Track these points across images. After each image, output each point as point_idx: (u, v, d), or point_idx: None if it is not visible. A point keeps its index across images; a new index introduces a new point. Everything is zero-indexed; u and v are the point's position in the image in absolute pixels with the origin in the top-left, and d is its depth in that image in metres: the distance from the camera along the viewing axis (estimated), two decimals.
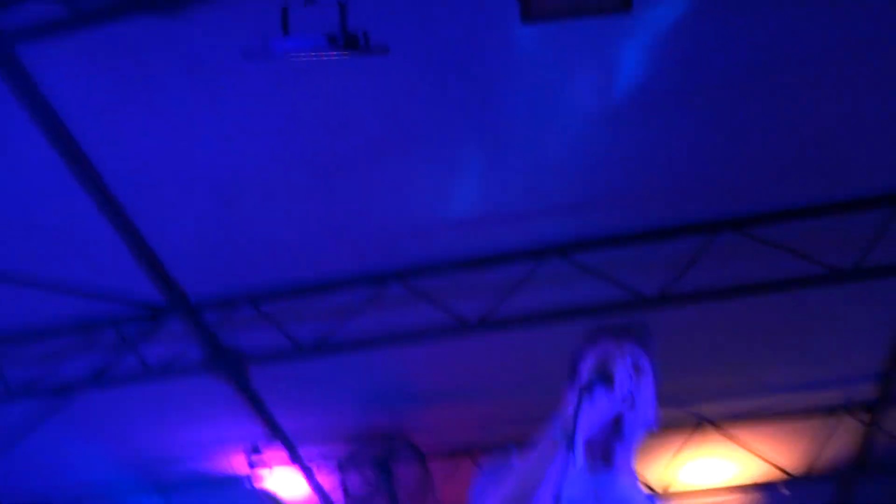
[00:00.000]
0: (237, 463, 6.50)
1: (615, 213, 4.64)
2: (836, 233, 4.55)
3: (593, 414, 1.51)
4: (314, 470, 6.44)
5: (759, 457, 5.81)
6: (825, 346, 5.28)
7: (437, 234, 4.69)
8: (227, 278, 4.92)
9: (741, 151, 4.25)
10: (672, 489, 6.16)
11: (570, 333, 5.33)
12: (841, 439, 5.79)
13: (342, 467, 6.25)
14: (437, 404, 5.80)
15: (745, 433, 5.89)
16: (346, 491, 6.25)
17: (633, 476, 1.75)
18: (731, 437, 5.89)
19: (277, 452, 6.30)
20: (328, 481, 6.53)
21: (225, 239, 4.68)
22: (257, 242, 4.70)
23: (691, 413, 5.96)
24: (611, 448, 1.68)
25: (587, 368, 1.59)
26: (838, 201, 4.50)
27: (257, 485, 6.46)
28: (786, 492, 5.82)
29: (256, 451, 6.34)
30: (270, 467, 6.37)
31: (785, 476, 5.80)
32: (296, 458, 6.26)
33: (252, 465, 6.31)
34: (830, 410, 5.72)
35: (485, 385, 5.63)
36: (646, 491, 1.91)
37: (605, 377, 1.53)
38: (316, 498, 6.69)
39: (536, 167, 4.33)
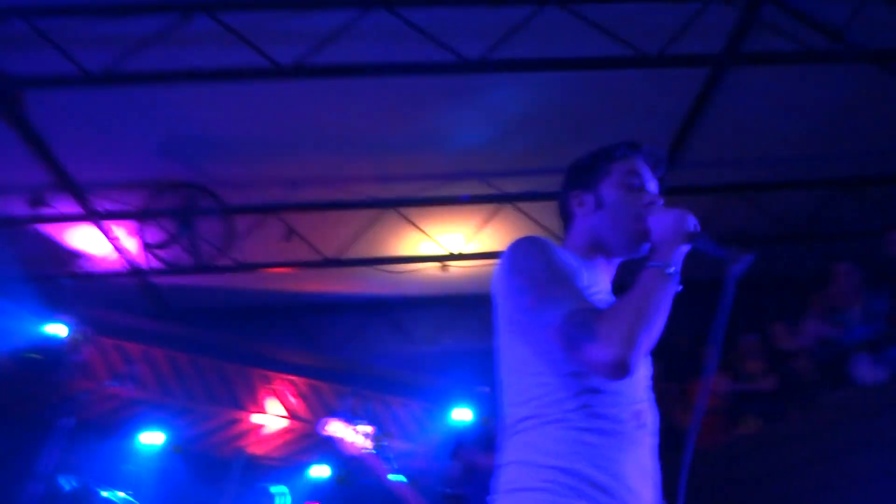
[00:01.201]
0: (18, 207, 5.83)
1: None
2: (647, 19, 4.65)
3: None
4: (108, 221, 5.98)
5: (545, 228, 6.29)
6: (617, 129, 5.59)
7: None
8: None
9: None
10: (466, 250, 6.55)
11: (386, 93, 5.16)
12: None
13: (139, 218, 5.85)
14: (244, 157, 5.47)
15: (537, 209, 6.30)
16: (143, 240, 5.92)
17: None
18: (524, 213, 6.29)
19: (66, 204, 5.73)
20: (123, 232, 6.12)
21: None
22: None
23: (492, 192, 6.22)
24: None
25: (694, 222, 1.59)
26: None
27: (42, 230, 5.90)
28: None
29: (40, 201, 5.70)
30: (58, 215, 5.80)
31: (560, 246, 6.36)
32: (87, 209, 5.73)
33: (35, 208, 5.69)
34: None
35: (295, 141, 5.37)
36: None
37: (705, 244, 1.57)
38: (112, 250, 6.29)
39: None
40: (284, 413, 6.64)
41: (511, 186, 6.22)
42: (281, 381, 6.71)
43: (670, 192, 6.14)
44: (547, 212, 6.35)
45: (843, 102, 5.41)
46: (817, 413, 5.11)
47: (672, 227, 1.59)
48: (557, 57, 4.53)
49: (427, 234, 6.39)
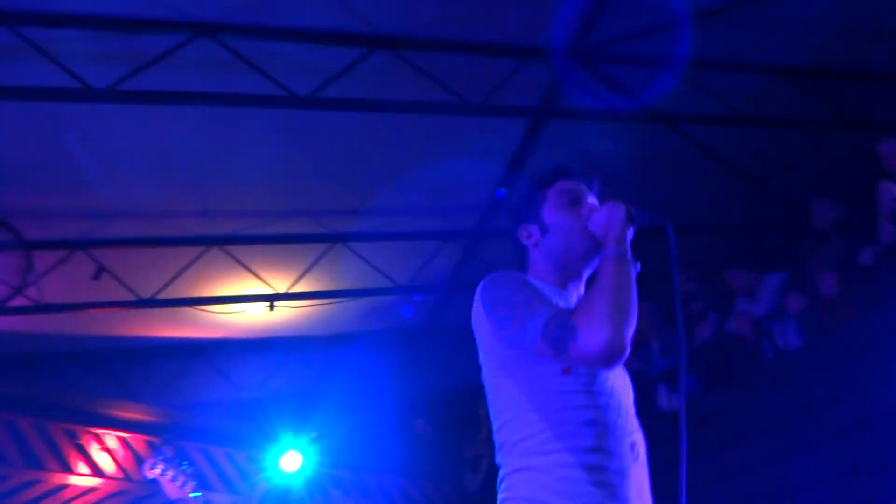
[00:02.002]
0: None
1: (280, 6, 4.29)
2: (473, 70, 4.87)
3: None
4: None
5: (376, 268, 6.26)
6: (443, 175, 5.74)
7: None
8: None
9: None
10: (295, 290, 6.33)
11: (211, 122, 4.93)
12: (443, 260, 6.52)
13: None
14: (46, 186, 4.94)
15: (368, 249, 6.27)
16: None
17: None
18: (356, 253, 6.22)
19: None
20: None
21: None
22: None
23: (322, 231, 6.12)
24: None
25: (625, 208, 1.66)
26: (481, 42, 4.79)
27: None
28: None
29: None
30: None
31: (392, 284, 6.38)
32: None
33: None
34: (438, 235, 6.36)
35: (107, 170, 4.93)
36: None
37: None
38: None
39: None
40: (89, 472, 5.94)
41: (342, 226, 6.16)
42: (88, 435, 6.00)
43: (495, 236, 6.31)
44: (379, 252, 6.34)
45: (640, 157, 5.96)
46: None
47: (609, 219, 1.63)
48: (385, 99, 4.58)
49: (254, 274, 6.12)
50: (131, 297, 5.75)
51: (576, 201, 1.75)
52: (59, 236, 5.35)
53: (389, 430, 7.57)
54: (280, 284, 6.28)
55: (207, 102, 4.24)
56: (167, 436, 5.76)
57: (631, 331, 1.46)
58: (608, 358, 1.43)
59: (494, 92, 4.80)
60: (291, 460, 6.32)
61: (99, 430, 5.94)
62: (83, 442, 5.83)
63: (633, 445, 1.58)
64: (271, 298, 6.14)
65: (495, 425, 1.62)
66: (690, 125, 5.46)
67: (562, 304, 1.61)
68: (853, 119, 5.43)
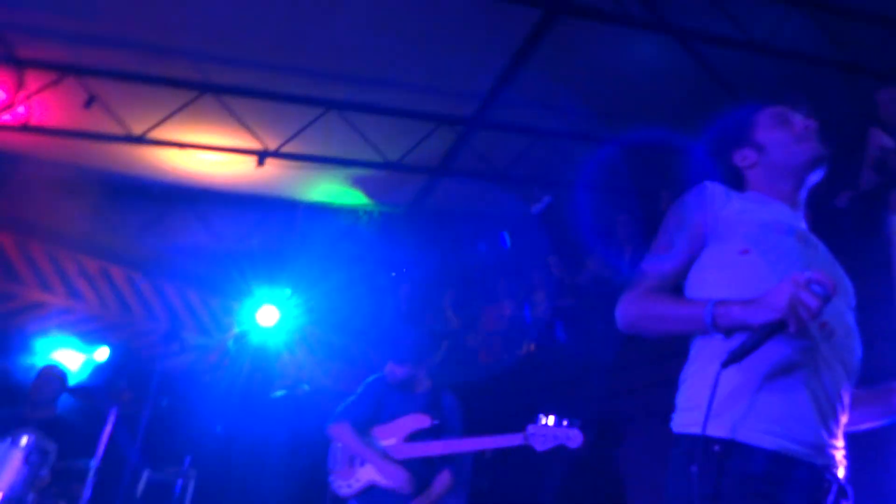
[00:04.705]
0: None
1: None
2: None
3: None
4: None
5: (368, 140, 6.18)
6: (448, 55, 5.57)
7: None
8: None
9: None
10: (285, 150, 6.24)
11: None
12: (434, 142, 6.44)
13: None
14: (42, 5, 4.70)
15: (362, 120, 6.15)
16: None
17: None
18: (349, 122, 6.12)
19: None
20: None
21: None
22: None
23: (319, 99, 5.97)
24: None
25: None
26: None
27: None
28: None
29: None
30: None
31: (381, 160, 6.32)
32: None
33: None
34: (433, 117, 6.24)
35: None
36: None
37: None
38: None
39: None
40: (66, 293, 6.04)
41: (339, 93, 6.01)
42: (69, 261, 6.05)
43: (483, 128, 6.22)
44: (372, 126, 6.23)
45: (645, 71, 5.82)
46: (586, 338, 5.68)
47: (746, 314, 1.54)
48: None
49: (246, 127, 6.01)
50: (121, 132, 5.64)
51: (786, 121, 1.86)
52: (52, 59, 5.15)
53: (363, 299, 7.75)
54: (271, 142, 6.19)
55: None
56: (146, 271, 5.87)
57: (643, 329, 1.70)
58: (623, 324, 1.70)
59: None
60: (268, 315, 6.46)
61: (80, 256, 5.99)
62: (64, 265, 5.88)
63: (824, 325, 1.58)
64: (261, 154, 6.07)
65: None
66: (701, 44, 5.31)
67: (781, 217, 1.74)
68: (859, 62, 5.33)
